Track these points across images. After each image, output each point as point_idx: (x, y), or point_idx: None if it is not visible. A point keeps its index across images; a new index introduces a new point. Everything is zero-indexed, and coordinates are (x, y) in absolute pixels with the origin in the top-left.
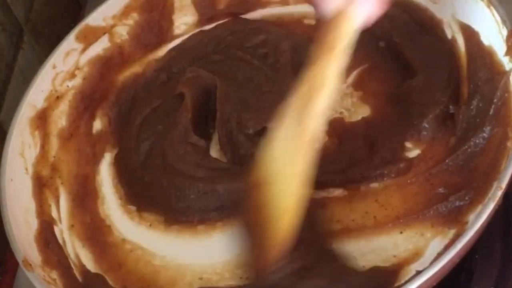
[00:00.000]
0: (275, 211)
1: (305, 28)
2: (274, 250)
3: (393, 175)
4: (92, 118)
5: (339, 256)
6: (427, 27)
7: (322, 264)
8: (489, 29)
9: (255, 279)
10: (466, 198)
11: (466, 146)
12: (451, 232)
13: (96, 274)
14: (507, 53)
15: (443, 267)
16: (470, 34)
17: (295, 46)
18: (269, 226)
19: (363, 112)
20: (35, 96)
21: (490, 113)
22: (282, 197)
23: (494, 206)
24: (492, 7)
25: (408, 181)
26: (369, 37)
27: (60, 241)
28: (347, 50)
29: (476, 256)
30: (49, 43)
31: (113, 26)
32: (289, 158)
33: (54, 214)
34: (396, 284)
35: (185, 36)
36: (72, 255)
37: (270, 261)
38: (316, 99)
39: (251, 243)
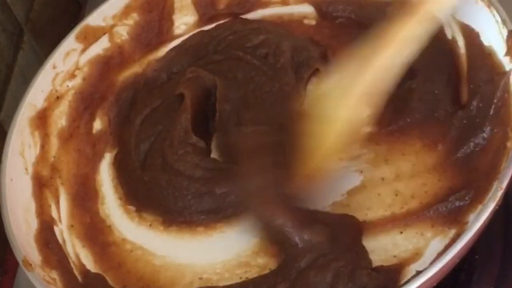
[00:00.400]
0: (313, 142)
1: (305, 28)
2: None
3: None
4: (92, 118)
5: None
6: None
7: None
8: (489, 29)
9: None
10: (466, 198)
11: (466, 146)
12: (451, 232)
13: (96, 274)
14: (507, 53)
15: (443, 267)
16: (470, 34)
17: (295, 46)
18: (305, 154)
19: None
20: (35, 96)
21: (490, 113)
22: (322, 135)
23: (494, 206)
24: (492, 7)
25: None
26: None
27: (60, 241)
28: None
29: (476, 256)
30: (49, 43)
31: (113, 26)
32: (340, 100)
33: (54, 214)
34: (396, 284)
35: (185, 36)
36: (72, 255)
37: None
38: (384, 52)
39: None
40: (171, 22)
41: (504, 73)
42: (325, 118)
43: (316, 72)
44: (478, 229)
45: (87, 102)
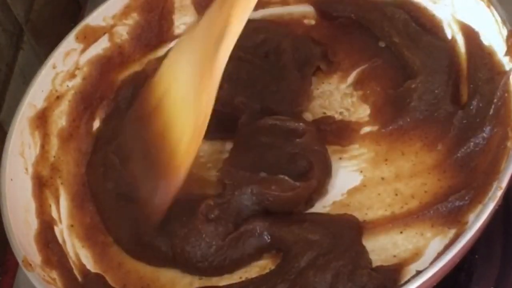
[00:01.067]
0: (173, 134)
1: (305, 28)
2: (172, 176)
3: None
4: (92, 118)
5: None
6: (427, 27)
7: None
8: (489, 29)
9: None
10: (466, 198)
11: (466, 146)
12: (451, 232)
13: (96, 274)
14: (507, 53)
15: (443, 267)
16: (470, 34)
17: (295, 45)
18: (167, 151)
19: (363, 111)
20: (35, 96)
21: (490, 113)
22: (180, 120)
23: (494, 206)
24: (492, 7)
25: None
26: (369, 37)
27: (60, 241)
28: None
29: (476, 256)
30: (49, 43)
31: (113, 26)
32: (192, 82)
33: (54, 214)
34: (396, 284)
35: None
36: (72, 255)
37: (169, 190)
38: (225, 39)
39: (150, 173)
40: (171, 22)
41: (504, 73)
42: (181, 101)
43: (316, 71)
44: (478, 229)
45: (87, 102)
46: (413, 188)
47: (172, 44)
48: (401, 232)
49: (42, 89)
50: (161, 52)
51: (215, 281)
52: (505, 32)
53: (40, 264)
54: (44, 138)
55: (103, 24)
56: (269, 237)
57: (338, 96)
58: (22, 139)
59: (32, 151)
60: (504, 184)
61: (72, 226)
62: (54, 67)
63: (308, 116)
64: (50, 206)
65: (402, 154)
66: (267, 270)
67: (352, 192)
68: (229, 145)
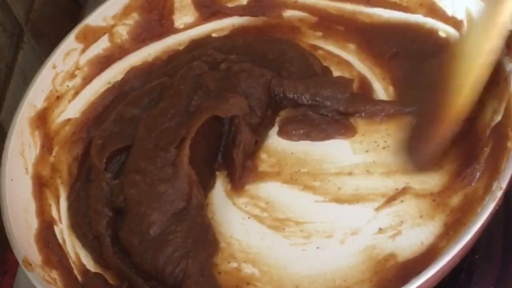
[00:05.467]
0: (459, 82)
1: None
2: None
3: None
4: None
5: None
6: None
7: None
8: None
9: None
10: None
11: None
12: (452, 232)
13: (96, 274)
14: (507, 53)
15: (443, 267)
16: None
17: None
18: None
19: None
20: (35, 96)
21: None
22: (467, 71)
23: (494, 206)
24: None
25: None
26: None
27: (60, 241)
28: None
29: (476, 256)
30: (49, 43)
31: (113, 26)
32: (480, 36)
33: (54, 214)
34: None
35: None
36: (72, 255)
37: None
38: None
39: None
40: (171, 22)
41: (504, 73)
42: (470, 55)
43: None
44: (478, 229)
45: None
46: None
47: (171, 44)
48: None
49: (42, 89)
50: (161, 51)
51: None
52: None
53: (40, 264)
54: (44, 138)
55: (103, 24)
56: None
57: None
58: (22, 139)
59: (32, 151)
60: (504, 184)
61: (72, 225)
62: (54, 67)
63: None
64: (50, 206)
65: None
66: None
67: None
68: None
